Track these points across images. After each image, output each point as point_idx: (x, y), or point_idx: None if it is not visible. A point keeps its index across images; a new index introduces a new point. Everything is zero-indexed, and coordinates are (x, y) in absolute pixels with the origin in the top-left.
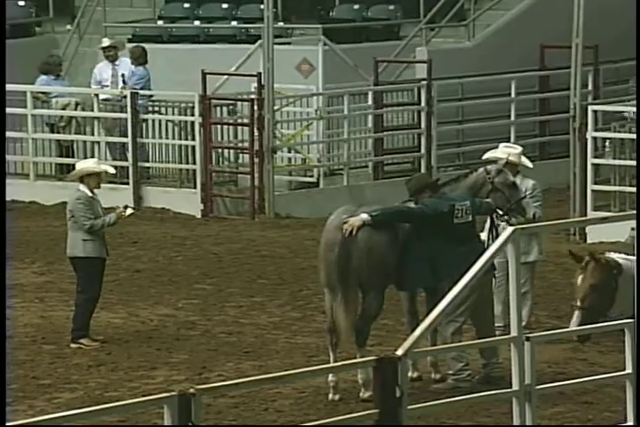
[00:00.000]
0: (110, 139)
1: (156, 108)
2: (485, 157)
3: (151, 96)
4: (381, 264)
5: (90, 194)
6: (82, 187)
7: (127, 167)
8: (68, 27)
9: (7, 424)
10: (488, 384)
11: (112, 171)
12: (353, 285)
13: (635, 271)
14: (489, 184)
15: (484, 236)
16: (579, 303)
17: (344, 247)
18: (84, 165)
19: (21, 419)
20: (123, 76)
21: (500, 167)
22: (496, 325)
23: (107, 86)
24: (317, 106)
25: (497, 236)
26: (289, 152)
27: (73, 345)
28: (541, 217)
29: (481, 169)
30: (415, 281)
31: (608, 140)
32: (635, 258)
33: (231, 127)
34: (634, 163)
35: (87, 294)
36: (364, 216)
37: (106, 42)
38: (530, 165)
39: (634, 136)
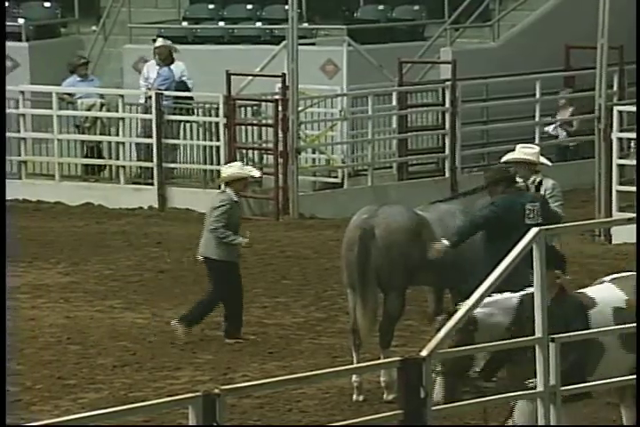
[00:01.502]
0: (136, 140)
1: (182, 110)
2: (504, 159)
3: (186, 98)
4: (401, 264)
5: (235, 198)
6: (228, 190)
7: (152, 168)
8: (94, 28)
9: (32, 424)
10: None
11: (257, 175)
12: (372, 284)
13: (492, 318)
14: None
15: None
16: (438, 368)
17: (363, 246)
18: (229, 170)
19: (47, 419)
20: (158, 74)
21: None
22: None
23: (151, 84)
24: (342, 106)
25: None
26: (313, 153)
27: (228, 341)
28: (562, 217)
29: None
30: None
31: (633, 141)
32: (497, 299)
33: (255, 128)
34: None
35: (214, 294)
36: (445, 242)
37: (159, 42)
38: (549, 163)
39: None
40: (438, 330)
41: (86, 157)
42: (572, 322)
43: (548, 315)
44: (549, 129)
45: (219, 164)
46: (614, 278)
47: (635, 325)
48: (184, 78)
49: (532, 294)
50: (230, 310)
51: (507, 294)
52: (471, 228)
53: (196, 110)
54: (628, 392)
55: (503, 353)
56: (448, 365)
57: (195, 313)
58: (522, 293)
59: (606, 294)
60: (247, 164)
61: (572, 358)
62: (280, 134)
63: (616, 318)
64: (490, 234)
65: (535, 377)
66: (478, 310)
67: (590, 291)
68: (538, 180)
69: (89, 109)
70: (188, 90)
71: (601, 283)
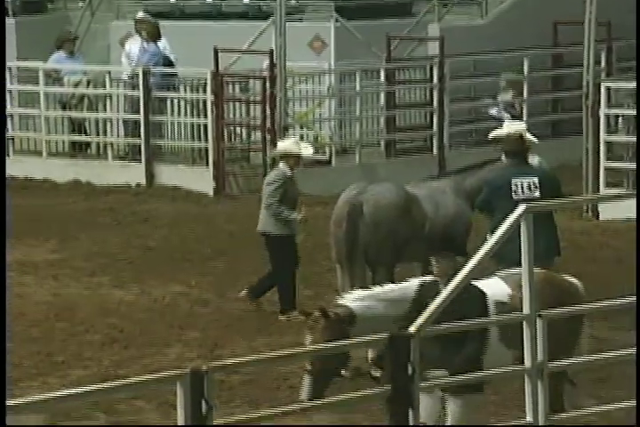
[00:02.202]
0: (123, 116)
1: (169, 86)
2: (492, 135)
3: (172, 74)
4: (389, 240)
5: (289, 173)
6: (282, 165)
7: (139, 145)
8: (81, 4)
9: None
10: None
11: (308, 153)
12: (360, 261)
13: (373, 311)
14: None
15: None
16: (308, 367)
17: (351, 223)
18: (282, 145)
19: (34, 395)
20: (144, 50)
21: None
22: None
23: (133, 61)
24: (329, 83)
25: None
26: (301, 130)
27: (281, 317)
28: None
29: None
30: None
31: (621, 118)
32: (379, 292)
33: (243, 104)
34: None
35: (279, 271)
36: None
37: (140, 15)
38: (535, 140)
39: None
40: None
41: (73, 133)
42: (471, 312)
43: (448, 304)
44: (493, 111)
45: (206, 140)
46: (506, 275)
47: (514, 316)
48: (166, 53)
49: (431, 282)
50: (283, 286)
51: (390, 286)
52: (481, 211)
53: (183, 87)
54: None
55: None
56: (318, 363)
57: (285, 300)
58: (417, 281)
59: (493, 287)
60: (235, 140)
61: (468, 350)
62: (268, 111)
63: (497, 311)
64: (488, 211)
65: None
66: (357, 304)
67: (479, 283)
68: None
69: (76, 86)
70: (171, 65)
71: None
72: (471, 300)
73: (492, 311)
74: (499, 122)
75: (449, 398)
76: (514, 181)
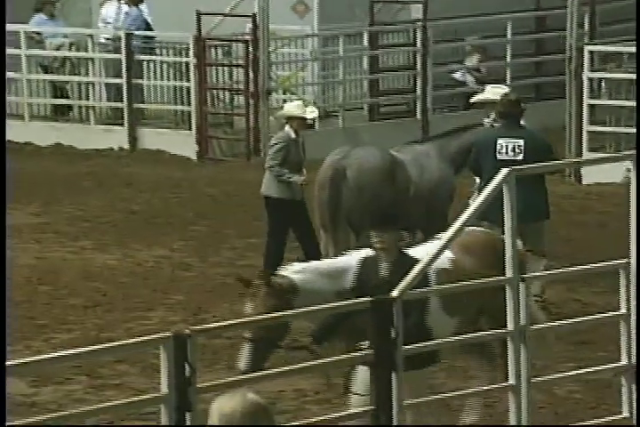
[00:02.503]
0: (105, 80)
1: (152, 50)
2: (475, 99)
3: (151, 37)
4: (372, 205)
5: (293, 136)
6: (287, 127)
7: (122, 109)
8: None
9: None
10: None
11: (313, 116)
12: (343, 224)
13: (313, 285)
14: None
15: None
16: (247, 335)
17: (334, 187)
18: (286, 107)
19: (18, 359)
20: (126, 14)
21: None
22: None
23: (109, 24)
24: (313, 47)
25: None
26: (284, 94)
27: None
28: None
29: (487, 126)
30: None
31: (604, 81)
32: (309, 266)
33: (226, 69)
34: (630, 103)
35: (275, 237)
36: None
37: None
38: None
39: (630, 76)
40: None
41: (55, 97)
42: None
43: (389, 277)
44: (457, 75)
45: (189, 104)
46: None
47: (495, 280)
48: (145, 16)
49: (372, 256)
50: (271, 250)
51: (331, 259)
52: (470, 169)
53: (166, 51)
54: (475, 359)
55: (335, 317)
56: (258, 333)
57: (269, 266)
58: (359, 255)
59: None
60: (218, 104)
61: (411, 319)
62: (251, 75)
63: (438, 279)
64: (476, 171)
65: (367, 340)
66: (298, 276)
67: (420, 250)
68: None
69: (57, 49)
70: (150, 29)
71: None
72: (407, 269)
73: (434, 280)
74: (463, 85)
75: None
76: (499, 141)
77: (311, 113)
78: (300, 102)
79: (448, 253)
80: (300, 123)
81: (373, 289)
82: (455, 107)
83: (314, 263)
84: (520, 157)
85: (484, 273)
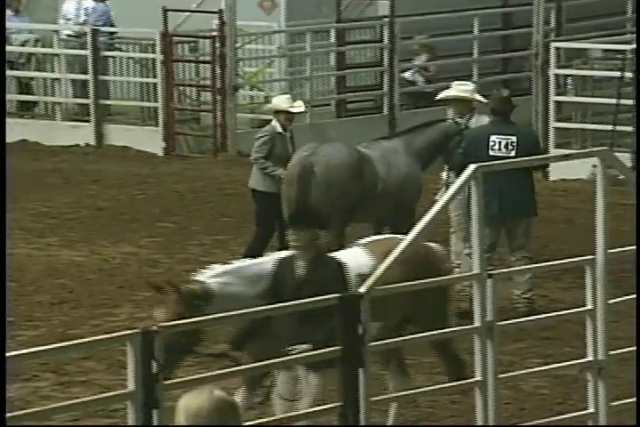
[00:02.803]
0: (71, 76)
1: (118, 46)
2: (440, 96)
3: (112, 33)
4: (340, 200)
5: (279, 130)
6: (274, 121)
7: (88, 105)
8: None
9: None
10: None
11: (299, 110)
12: (310, 221)
13: (231, 288)
14: (458, 136)
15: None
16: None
17: (302, 183)
18: (273, 101)
19: None
20: (86, 10)
21: (466, 123)
22: (455, 262)
23: (70, 20)
24: (280, 43)
25: None
26: (251, 90)
27: None
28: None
29: (450, 121)
30: None
31: (570, 78)
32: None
33: (193, 65)
34: (595, 100)
35: (262, 227)
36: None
37: None
38: (483, 100)
39: (595, 73)
40: None
41: (21, 93)
42: (330, 285)
43: (305, 276)
44: (407, 75)
45: (156, 100)
46: (367, 242)
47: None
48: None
49: (289, 257)
50: (255, 244)
51: (248, 262)
52: (457, 165)
53: (132, 47)
54: (393, 360)
55: (253, 323)
56: (171, 339)
57: (250, 254)
58: (275, 257)
59: (354, 258)
60: (185, 101)
61: (333, 323)
62: (218, 71)
63: (359, 285)
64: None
65: (295, 345)
66: (214, 280)
67: (340, 255)
68: (474, 117)
69: (23, 45)
70: (113, 25)
71: (353, 247)
72: (329, 273)
73: (355, 285)
74: (412, 85)
75: (309, 373)
76: (492, 138)
77: (298, 107)
78: (287, 96)
79: (368, 259)
80: (286, 116)
81: (290, 290)
82: (422, 102)
83: (236, 266)
84: (513, 153)
85: (405, 280)
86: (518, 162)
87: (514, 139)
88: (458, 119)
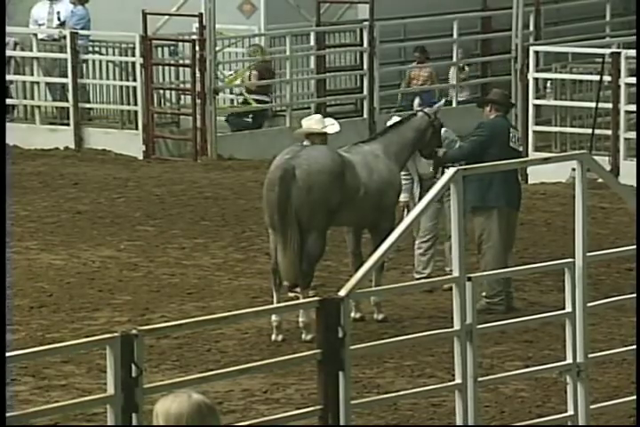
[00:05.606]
0: (50, 79)
1: (97, 49)
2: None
3: (87, 36)
4: (322, 204)
5: None
6: (306, 142)
7: (68, 108)
8: None
9: None
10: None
11: (334, 130)
12: (292, 225)
13: None
14: (431, 127)
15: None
16: None
17: (284, 187)
18: (306, 123)
19: None
20: (58, 14)
21: (436, 110)
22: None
23: (42, 25)
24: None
25: None
26: (231, 93)
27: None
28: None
29: (420, 113)
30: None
31: (549, 82)
32: None
33: (173, 68)
34: (574, 104)
35: None
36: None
37: None
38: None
39: (574, 77)
40: (357, 270)
41: None
42: None
43: None
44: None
45: (135, 104)
46: None
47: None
48: (61, 11)
49: None
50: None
51: None
52: (468, 154)
53: (112, 50)
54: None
55: None
56: None
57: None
58: None
59: None
60: (165, 104)
61: None
62: (197, 74)
63: None
64: (477, 157)
65: None
66: None
67: None
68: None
69: None
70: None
71: None
72: None
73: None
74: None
75: None
76: (512, 130)
77: (332, 127)
78: (318, 117)
79: None
80: (320, 138)
81: None
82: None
83: None
84: (521, 148)
85: None
86: (497, 165)
87: (519, 134)
88: (426, 109)
